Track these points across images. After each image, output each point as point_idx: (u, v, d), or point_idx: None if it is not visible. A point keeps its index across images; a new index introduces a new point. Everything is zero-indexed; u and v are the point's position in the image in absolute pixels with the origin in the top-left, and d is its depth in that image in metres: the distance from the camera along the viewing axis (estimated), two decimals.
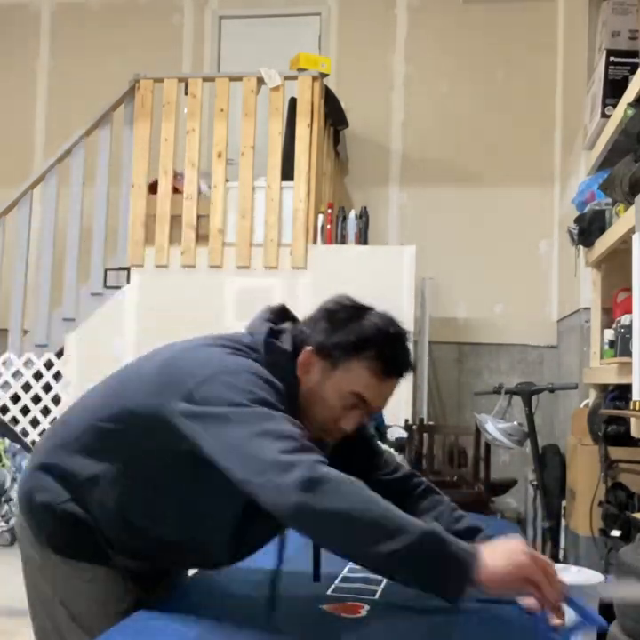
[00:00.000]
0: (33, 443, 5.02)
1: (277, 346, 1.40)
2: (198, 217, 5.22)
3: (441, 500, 1.56)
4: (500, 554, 1.20)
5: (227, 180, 5.23)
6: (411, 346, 1.44)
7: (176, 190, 5.29)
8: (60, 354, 5.21)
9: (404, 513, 1.21)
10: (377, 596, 1.43)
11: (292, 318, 1.51)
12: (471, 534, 1.46)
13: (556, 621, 1.19)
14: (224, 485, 1.25)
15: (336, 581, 1.51)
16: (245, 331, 1.47)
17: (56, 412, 5.11)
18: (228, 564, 1.47)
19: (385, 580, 1.50)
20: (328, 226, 5.12)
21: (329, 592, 1.45)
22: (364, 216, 5.20)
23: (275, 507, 1.19)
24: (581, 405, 4.03)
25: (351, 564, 1.62)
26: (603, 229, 3.65)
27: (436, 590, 1.21)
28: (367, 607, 1.37)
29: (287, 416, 1.27)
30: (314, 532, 1.22)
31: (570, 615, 1.18)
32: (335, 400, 1.38)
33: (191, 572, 1.63)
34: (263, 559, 1.49)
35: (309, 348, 1.39)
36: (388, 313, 1.44)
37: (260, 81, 5.18)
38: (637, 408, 2.56)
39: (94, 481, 1.39)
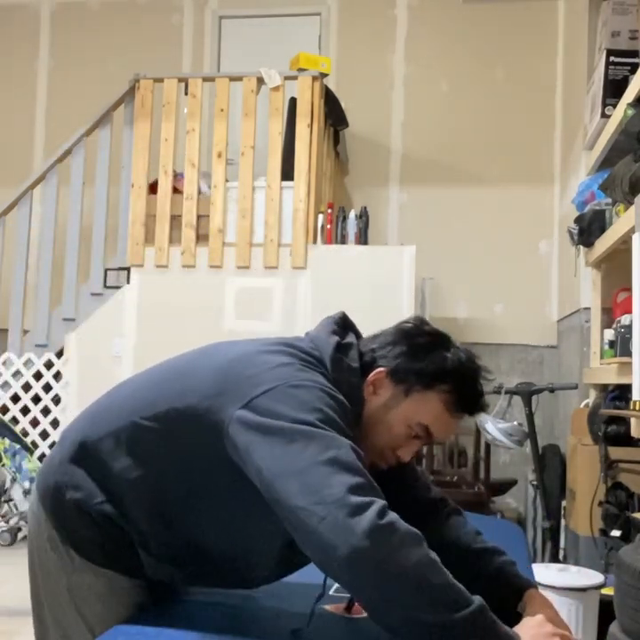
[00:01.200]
0: (33, 443, 5.03)
1: (347, 364, 1.31)
2: (198, 217, 5.22)
3: (464, 522, 1.49)
4: (531, 636, 1.15)
5: (227, 180, 5.23)
6: (485, 384, 1.37)
7: (176, 190, 5.29)
8: (60, 354, 5.21)
9: (457, 582, 1.11)
10: None
11: (354, 330, 1.42)
12: (492, 554, 1.41)
13: None
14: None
15: None
16: (309, 341, 1.36)
17: (56, 411, 5.12)
18: (267, 583, 1.40)
19: None
20: (328, 226, 5.12)
21: (331, 592, 1.45)
22: (363, 216, 5.20)
23: (327, 544, 1.07)
24: (581, 405, 4.03)
25: None
26: (603, 229, 3.65)
27: None
28: None
29: (353, 444, 1.16)
30: (362, 581, 1.09)
31: None
32: (401, 428, 1.32)
33: None
34: None
35: (382, 369, 1.32)
36: (466, 348, 1.37)
37: (260, 81, 5.19)
38: (637, 408, 2.56)
39: (135, 483, 1.30)
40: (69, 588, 1.36)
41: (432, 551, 1.11)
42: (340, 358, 1.30)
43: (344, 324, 1.39)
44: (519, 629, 1.16)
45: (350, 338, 1.37)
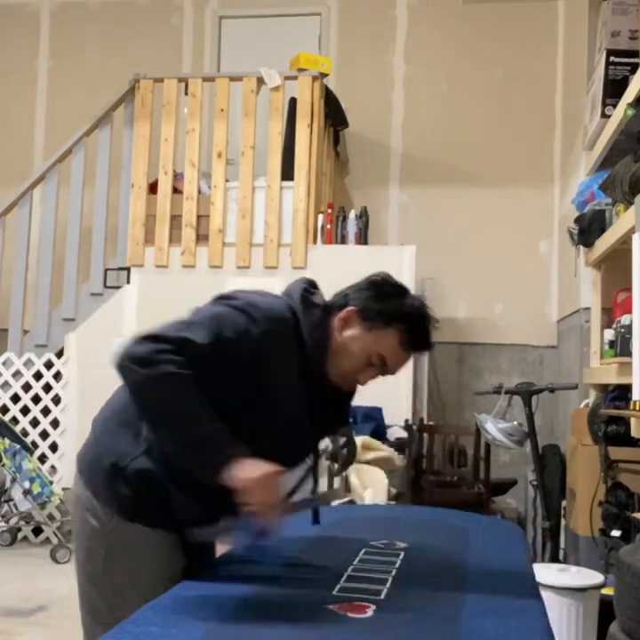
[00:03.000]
0: (33, 443, 5.03)
1: (311, 300, 1.62)
2: (198, 217, 5.22)
3: None
4: (252, 468, 1.42)
5: (227, 180, 5.24)
6: (433, 330, 1.62)
7: (176, 190, 5.29)
8: (60, 354, 5.21)
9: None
10: (383, 596, 1.43)
11: (319, 289, 1.73)
12: None
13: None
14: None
15: (341, 581, 1.51)
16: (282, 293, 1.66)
17: (56, 411, 5.12)
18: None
19: (390, 581, 1.51)
20: (328, 226, 5.13)
21: (335, 592, 1.45)
22: (363, 216, 5.20)
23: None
24: (581, 405, 4.03)
25: (355, 564, 1.63)
26: (603, 229, 3.65)
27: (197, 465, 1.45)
28: (373, 607, 1.37)
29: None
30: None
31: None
32: (361, 356, 1.58)
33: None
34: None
35: (352, 308, 1.59)
36: (423, 297, 1.66)
37: (260, 81, 5.19)
38: (637, 408, 2.56)
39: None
40: (109, 551, 1.55)
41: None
42: (306, 297, 1.62)
43: (312, 283, 1.71)
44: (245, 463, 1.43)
45: (317, 290, 1.70)
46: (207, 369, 1.47)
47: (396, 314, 1.57)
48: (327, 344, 1.58)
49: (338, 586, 1.49)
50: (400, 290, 1.62)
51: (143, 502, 1.55)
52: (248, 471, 1.41)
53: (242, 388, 1.52)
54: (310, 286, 1.69)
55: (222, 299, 1.58)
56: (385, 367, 1.60)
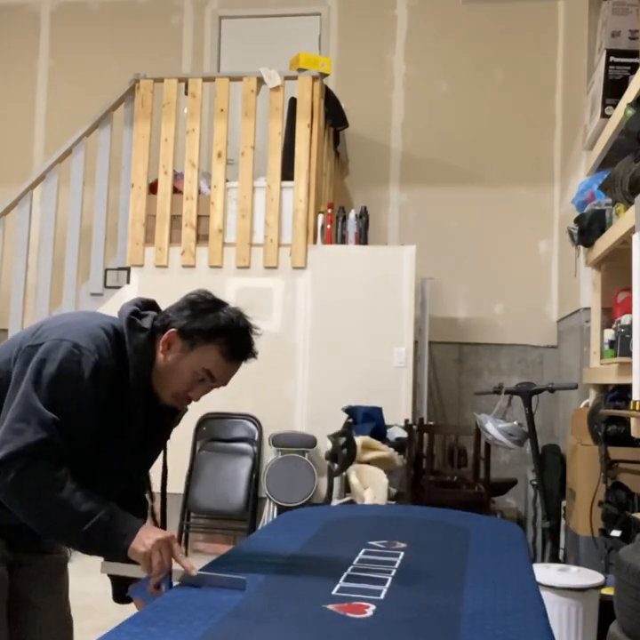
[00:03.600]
0: None
1: (137, 324, 1.66)
2: (198, 217, 5.22)
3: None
4: (146, 538, 1.52)
5: (227, 180, 5.23)
6: (255, 337, 1.69)
7: (176, 190, 5.29)
8: None
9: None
10: (382, 596, 1.43)
11: (157, 309, 1.76)
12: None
13: (153, 591, 1.52)
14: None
15: (341, 581, 1.51)
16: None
17: None
18: None
19: (390, 581, 1.51)
20: (328, 226, 5.13)
21: (334, 592, 1.45)
22: (363, 216, 5.20)
23: None
24: (581, 405, 4.03)
25: (354, 564, 1.63)
26: (603, 229, 3.65)
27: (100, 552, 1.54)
28: (373, 607, 1.37)
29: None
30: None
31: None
32: (188, 374, 1.64)
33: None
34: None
35: (173, 329, 1.64)
36: (239, 308, 1.71)
37: (260, 81, 5.19)
38: (637, 408, 2.56)
39: None
40: None
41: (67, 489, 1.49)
42: (133, 320, 1.66)
43: (148, 304, 1.75)
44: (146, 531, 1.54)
45: (148, 311, 1.72)
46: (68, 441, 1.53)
47: (214, 329, 1.63)
48: (150, 367, 1.64)
49: (337, 586, 1.49)
50: (215, 305, 1.68)
51: None
52: (145, 542, 1.50)
53: (86, 433, 1.57)
54: (143, 308, 1.72)
55: (35, 365, 1.55)
56: (214, 380, 1.66)
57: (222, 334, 1.63)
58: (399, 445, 4.51)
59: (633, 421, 2.87)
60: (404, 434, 4.58)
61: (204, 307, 1.66)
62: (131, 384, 1.61)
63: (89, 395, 1.54)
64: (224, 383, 1.69)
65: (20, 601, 1.71)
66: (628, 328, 2.95)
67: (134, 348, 1.62)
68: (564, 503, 4.08)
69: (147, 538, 1.51)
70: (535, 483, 4.11)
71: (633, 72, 3.34)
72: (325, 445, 4.44)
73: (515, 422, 4.02)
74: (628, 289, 2.86)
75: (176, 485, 4.76)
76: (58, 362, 1.53)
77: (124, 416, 1.62)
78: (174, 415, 1.78)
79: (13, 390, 1.54)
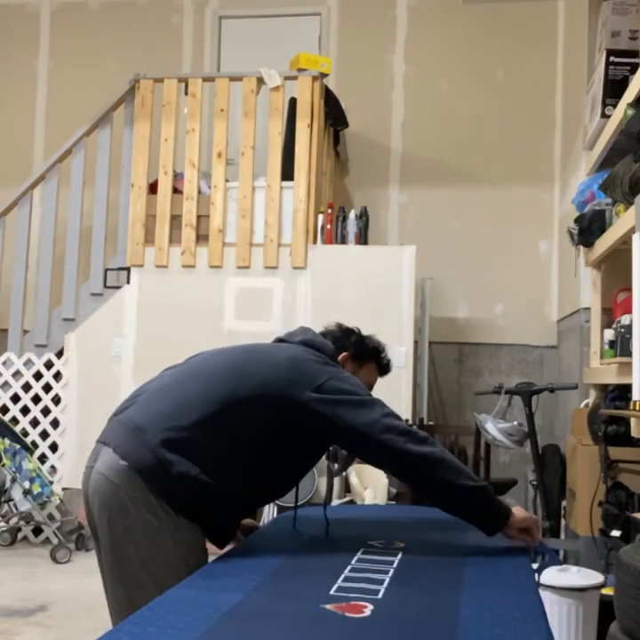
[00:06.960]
0: (33, 443, 5.03)
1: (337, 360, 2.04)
2: (198, 217, 5.22)
3: None
4: (520, 513, 1.84)
5: (227, 180, 5.23)
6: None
7: (176, 190, 5.29)
8: (60, 354, 5.21)
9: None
10: (380, 596, 1.43)
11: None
12: None
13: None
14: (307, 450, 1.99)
15: (339, 580, 1.51)
16: (313, 347, 2.00)
17: (56, 411, 5.12)
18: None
19: (388, 580, 1.51)
20: (328, 226, 5.13)
21: (332, 591, 1.45)
22: (364, 216, 5.20)
23: (412, 453, 1.76)
24: (581, 405, 4.03)
25: (353, 563, 1.62)
26: (603, 229, 3.65)
27: (483, 522, 1.82)
28: (371, 607, 1.36)
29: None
30: (426, 471, 1.79)
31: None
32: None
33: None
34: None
35: (346, 353, 2.06)
36: (372, 336, 2.17)
37: (260, 81, 5.19)
38: (637, 408, 2.56)
39: (223, 457, 1.78)
40: (176, 545, 1.75)
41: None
42: (336, 355, 2.04)
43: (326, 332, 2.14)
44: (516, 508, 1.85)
45: (328, 340, 2.10)
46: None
47: (370, 351, 2.11)
48: None
49: (335, 585, 1.48)
50: (361, 334, 2.14)
51: (201, 508, 1.78)
52: (522, 516, 1.82)
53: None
54: (326, 336, 2.12)
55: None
56: (370, 390, 2.00)
57: (377, 355, 2.12)
58: None
59: (633, 421, 2.87)
60: None
61: (356, 337, 2.11)
62: None
63: None
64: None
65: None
66: (628, 328, 2.95)
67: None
68: (564, 503, 4.08)
69: (520, 513, 1.83)
70: (535, 483, 4.11)
71: (633, 72, 3.34)
72: None
73: (515, 422, 4.01)
74: (628, 289, 2.86)
75: None
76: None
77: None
78: None
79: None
